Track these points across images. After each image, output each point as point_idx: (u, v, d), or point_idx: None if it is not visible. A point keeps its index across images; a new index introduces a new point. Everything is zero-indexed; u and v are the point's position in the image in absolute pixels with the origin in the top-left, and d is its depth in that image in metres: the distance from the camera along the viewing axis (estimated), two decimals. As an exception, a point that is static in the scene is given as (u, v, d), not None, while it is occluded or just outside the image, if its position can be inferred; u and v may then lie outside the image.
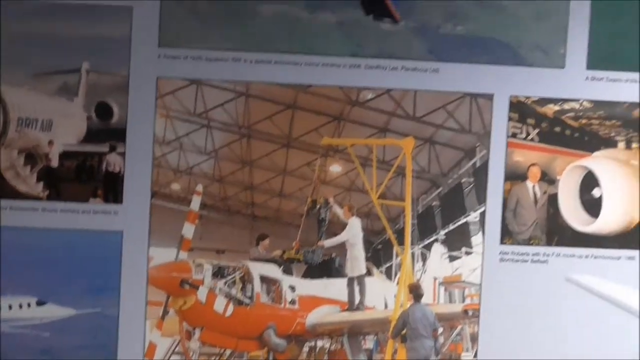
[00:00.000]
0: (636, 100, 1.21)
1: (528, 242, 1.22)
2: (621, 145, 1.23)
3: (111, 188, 1.21)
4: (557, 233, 1.22)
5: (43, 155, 1.23)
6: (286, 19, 1.18)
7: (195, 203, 1.27)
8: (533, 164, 1.23)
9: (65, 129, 1.25)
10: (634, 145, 1.23)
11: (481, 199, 1.22)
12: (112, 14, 1.16)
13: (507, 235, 1.22)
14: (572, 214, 1.23)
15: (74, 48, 1.18)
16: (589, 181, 1.22)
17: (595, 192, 1.23)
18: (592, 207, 1.22)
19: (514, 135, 1.22)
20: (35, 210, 1.19)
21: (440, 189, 1.27)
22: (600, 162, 1.22)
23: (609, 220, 1.21)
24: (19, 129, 1.20)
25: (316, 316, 1.33)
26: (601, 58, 1.21)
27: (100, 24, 1.17)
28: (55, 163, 1.23)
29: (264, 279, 1.32)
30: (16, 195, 1.19)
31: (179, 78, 1.19)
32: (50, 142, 1.23)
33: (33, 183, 1.22)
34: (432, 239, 1.31)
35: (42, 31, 1.16)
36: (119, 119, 1.22)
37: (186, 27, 1.17)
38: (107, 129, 1.24)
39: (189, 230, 1.28)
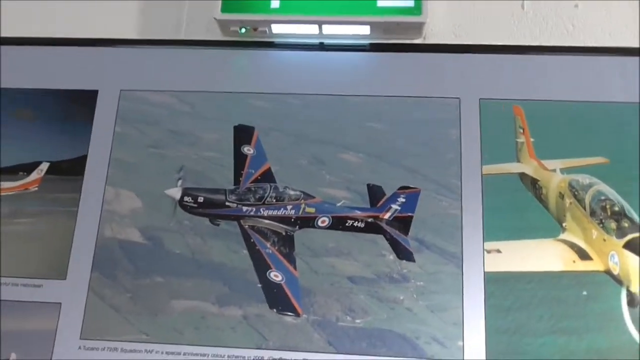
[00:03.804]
0: (541, 394, 1.12)
1: None
2: None
3: None
4: None
5: None
6: (196, 313, 1.20)
7: None
8: None
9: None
10: None
11: None
12: (41, 309, 1.21)
13: None
14: None
15: (3, 341, 1.21)
16: None
17: None
18: None
19: None
20: None
21: None
22: None
23: None
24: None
25: None
26: (499, 351, 1.14)
27: (29, 319, 1.21)
28: None
29: None
30: None
31: (95, 369, 1.18)
32: None
33: None
34: None
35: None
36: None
37: (106, 321, 1.20)
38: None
39: None
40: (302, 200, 1.28)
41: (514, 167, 1.30)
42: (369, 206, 1.27)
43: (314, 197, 1.28)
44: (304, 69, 1.39)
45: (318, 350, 1.17)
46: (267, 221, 1.27)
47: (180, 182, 1.28)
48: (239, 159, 1.32)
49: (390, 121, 1.33)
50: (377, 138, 1.32)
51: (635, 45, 1.35)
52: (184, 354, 1.18)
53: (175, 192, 1.27)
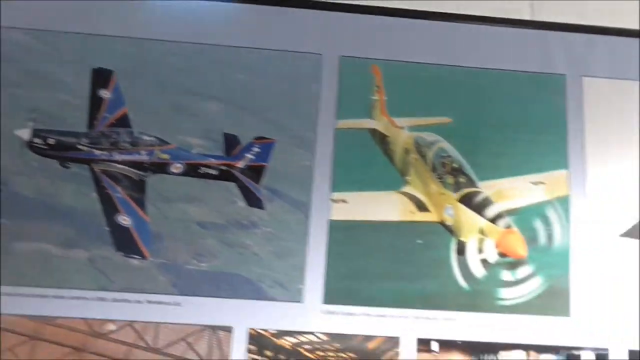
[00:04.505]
0: (372, 333, 1.22)
1: None
2: (358, 378, 1.20)
3: None
4: None
5: None
6: (40, 255, 1.21)
7: None
8: (272, 398, 1.17)
9: None
10: (371, 378, 1.20)
11: None
12: None
13: None
14: None
15: None
16: (328, 416, 1.16)
17: None
18: None
19: (252, 368, 1.18)
20: None
21: None
22: (338, 396, 1.17)
23: None
24: None
25: None
26: (336, 294, 1.24)
27: None
28: None
29: None
30: None
31: None
32: None
33: None
34: None
35: None
36: None
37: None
38: None
39: None
40: (157, 146, 1.30)
41: (366, 123, 1.37)
42: (224, 155, 1.33)
43: (169, 144, 1.31)
44: (170, 16, 1.39)
45: (161, 292, 1.21)
46: (119, 166, 1.28)
47: (31, 124, 1.28)
48: (95, 103, 1.31)
49: (252, 73, 1.36)
50: (238, 88, 1.35)
51: (487, 14, 1.46)
52: (23, 295, 1.19)
53: (25, 133, 1.26)
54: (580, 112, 1.39)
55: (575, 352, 1.27)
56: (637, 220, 1.33)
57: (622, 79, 1.41)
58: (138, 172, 1.29)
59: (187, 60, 1.35)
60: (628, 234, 1.33)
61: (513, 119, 1.38)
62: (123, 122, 1.31)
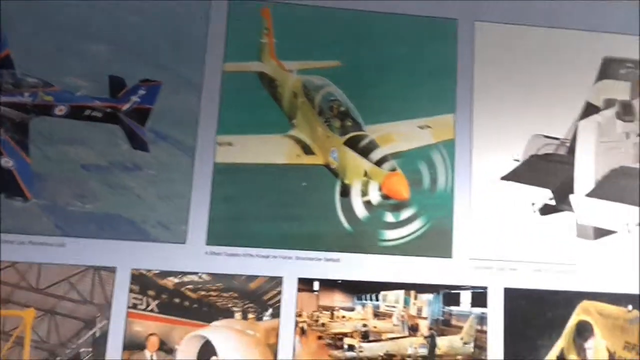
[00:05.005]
0: (254, 273, 1.28)
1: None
2: (238, 315, 1.25)
3: None
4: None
5: None
6: None
7: None
8: (152, 334, 1.22)
9: None
10: (250, 315, 1.26)
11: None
12: None
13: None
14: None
15: None
16: (207, 349, 1.22)
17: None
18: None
19: (134, 307, 1.23)
20: None
21: (59, 359, 1.23)
22: (217, 332, 1.23)
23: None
24: None
25: None
26: (220, 235, 1.29)
27: None
28: None
29: None
30: None
31: None
32: None
33: None
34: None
35: None
36: None
37: None
38: None
39: None
40: (40, 88, 1.30)
41: (254, 66, 1.38)
42: (109, 97, 1.33)
43: (53, 86, 1.31)
44: (56, -47, 1.38)
45: (45, 233, 1.24)
46: (1, 107, 1.29)
47: None
48: (-25, 43, 1.31)
49: (138, 14, 1.35)
50: (124, 30, 1.34)
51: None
52: None
53: None
54: (471, 57, 1.43)
55: (455, 291, 1.35)
56: (518, 164, 1.41)
57: (514, 24, 1.46)
58: (21, 114, 1.29)
59: (73, 1, 1.35)
60: (508, 177, 1.40)
61: (403, 63, 1.40)
62: (5, 63, 1.29)
